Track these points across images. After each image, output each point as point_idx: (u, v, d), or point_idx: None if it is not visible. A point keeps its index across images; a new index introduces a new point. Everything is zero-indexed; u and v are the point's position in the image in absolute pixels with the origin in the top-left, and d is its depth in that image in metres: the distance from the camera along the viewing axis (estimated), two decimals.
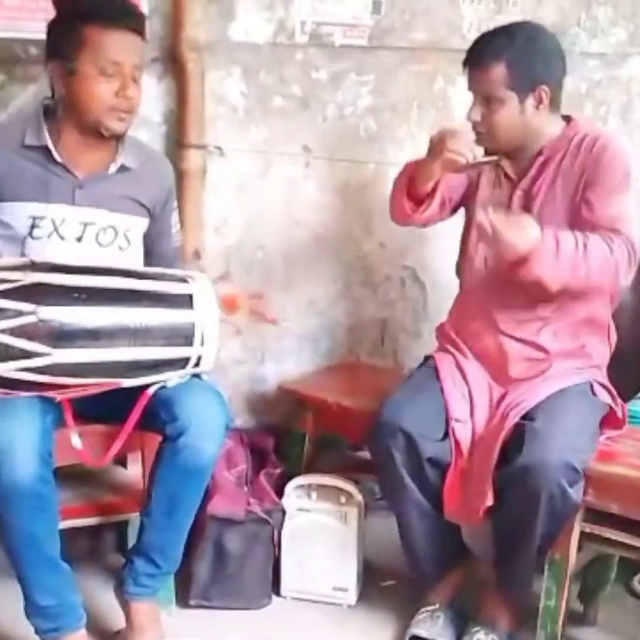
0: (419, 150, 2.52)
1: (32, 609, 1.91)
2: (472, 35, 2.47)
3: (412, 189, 2.12)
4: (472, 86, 2.06)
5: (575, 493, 1.90)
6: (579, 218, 2.02)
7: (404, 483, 2.04)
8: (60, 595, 1.91)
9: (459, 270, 2.29)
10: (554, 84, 2.03)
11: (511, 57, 1.98)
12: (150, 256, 2.16)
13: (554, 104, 2.05)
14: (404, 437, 2.00)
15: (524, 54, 1.99)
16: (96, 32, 1.88)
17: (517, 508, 1.92)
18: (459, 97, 2.54)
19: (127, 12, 1.94)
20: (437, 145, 2.01)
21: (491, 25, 2.48)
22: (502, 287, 2.09)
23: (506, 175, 2.13)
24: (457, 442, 2.04)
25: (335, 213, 2.64)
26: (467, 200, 2.22)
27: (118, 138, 2.01)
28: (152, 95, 2.39)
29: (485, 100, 2.02)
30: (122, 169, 2.04)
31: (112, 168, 2.02)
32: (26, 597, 1.91)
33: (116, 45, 1.90)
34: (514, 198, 2.11)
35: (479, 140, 2.03)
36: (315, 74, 2.53)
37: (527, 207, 2.08)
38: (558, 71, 2.05)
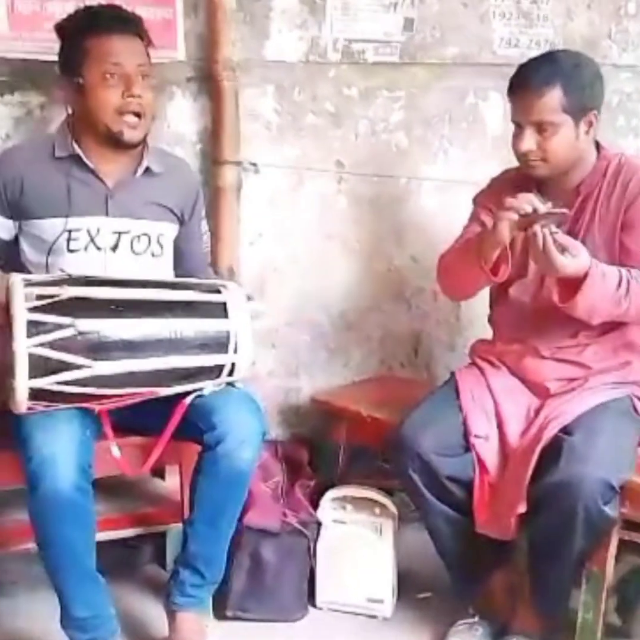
0: (450, 165, 2.57)
1: (68, 620, 1.94)
2: (503, 51, 2.51)
3: (480, 261, 2.05)
4: (520, 114, 2.01)
5: (611, 509, 1.89)
6: (618, 262, 2.02)
7: (427, 499, 2.06)
8: (96, 607, 1.94)
9: (493, 299, 2.27)
10: (600, 109, 2.03)
11: (564, 81, 1.96)
12: (180, 262, 2.19)
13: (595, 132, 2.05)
14: (420, 459, 2.02)
15: (575, 79, 1.97)
16: (95, 42, 1.95)
17: (552, 523, 1.92)
18: (490, 112, 2.58)
19: (121, 18, 2.00)
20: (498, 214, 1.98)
21: (522, 40, 2.53)
22: (540, 319, 2.10)
23: None
24: (479, 458, 2.04)
25: (367, 227, 2.66)
26: None
27: (139, 146, 2.04)
28: (187, 114, 2.44)
29: (538, 127, 1.98)
30: (148, 172, 2.08)
31: (139, 172, 2.07)
32: (63, 608, 1.93)
33: (115, 49, 1.96)
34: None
35: (530, 169, 2.03)
36: (347, 90, 2.56)
37: None
38: (602, 96, 2.05)
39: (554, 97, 1.96)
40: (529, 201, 1.93)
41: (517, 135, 2.02)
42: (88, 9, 2.08)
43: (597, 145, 2.10)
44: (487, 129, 2.57)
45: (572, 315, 1.98)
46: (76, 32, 1.97)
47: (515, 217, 1.93)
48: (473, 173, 2.47)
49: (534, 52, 2.46)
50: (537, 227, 1.90)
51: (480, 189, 2.25)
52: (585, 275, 1.91)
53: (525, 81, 1.99)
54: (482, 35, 2.55)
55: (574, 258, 1.89)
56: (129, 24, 2.00)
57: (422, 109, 2.59)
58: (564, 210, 1.97)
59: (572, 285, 1.93)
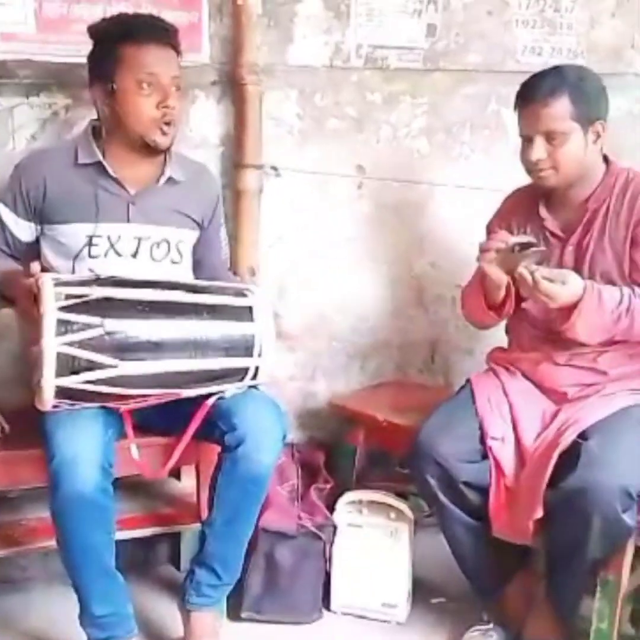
0: (472, 171, 2.58)
1: (87, 618, 1.95)
2: (527, 59, 2.52)
3: (489, 301, 2.15)
4: (529, 126, 2.03)
5: (629, 518, 1.89)
6: (630, 278, 2.05)
7: (444, 505, 2.07)
8: (115, 605, 1.95)
9: (508, 320, 2.28)
10: (606, 120, 2.04)
11: (571, 90, 1.99)
12: (200, 268, 2.21)
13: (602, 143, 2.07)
14: (437, 465, 2.03)
15: (581, 89, 2.00)
16: (131, 50, 1.97)
17: (569, 529, 1.92)
18: (512, 119, 2.55)
19: (158, 28, 2.02)
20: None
21: (545, 48, 2.53)
22: (553, 330, 2.10)
23: (553, 233, 2.13)
24: (496, 461, 2.05)
25: (388, 232, 2.67)
26: None
27: (164, 152, 2.06)
28: (210, 117, 2.45)
29: (548, 137, 2.00)
30: (171, 181, 2.10)
31: (161, 181, 2.08)
32: (82, 606, 1.95)
33: (151, 58, 1.98)
34: (565, 254, 2.11)
35: (540, 180, 2.04)
36: (370, 96, 2.57)
37: (579, 262, 2.09)
38: (607, 108, 2.06)
39: (561, 106, 1.98)
40: (501, 239, 2.02)
41: (526, 148, 2.05)
42: (126, 16, 2.09)
43: (606, 160, 2.11)
44: (509, 136, 2.56)
45: (574, 338, 2.02)
46: (112, 38, 1.98)
47: (493, 255, 2.01)
48: (494, 180, 2.48)
49: (557, 61, 2.49)
50: (521, 268, 1.96)
51: (492, 216, 2.27)
52: (580, 299, 1.94)
53: (533, 93, 2.01)
54: (506, 42, 2.57)
55: (565, 285, 1.94)
56: (166, 35, 2.01)
57: (444, 115, 2.61)
58: (542, 248, 2.04)
59: (570, 309, 1.97)
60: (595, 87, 2.04)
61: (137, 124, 1.99)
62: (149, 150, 2.03)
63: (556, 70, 2.05)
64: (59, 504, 1.83)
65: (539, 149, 2.01)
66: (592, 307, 1.95)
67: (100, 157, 2.03)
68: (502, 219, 2.23)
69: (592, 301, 1.95)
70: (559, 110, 1.98)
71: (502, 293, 2.10)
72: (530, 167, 2.05)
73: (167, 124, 2.00)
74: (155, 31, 2.00)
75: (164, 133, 2.00)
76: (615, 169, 2.09)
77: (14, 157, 2.17)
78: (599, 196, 2.07)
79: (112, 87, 1.97)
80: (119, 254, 2.05)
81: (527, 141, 2.04)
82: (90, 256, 2.03)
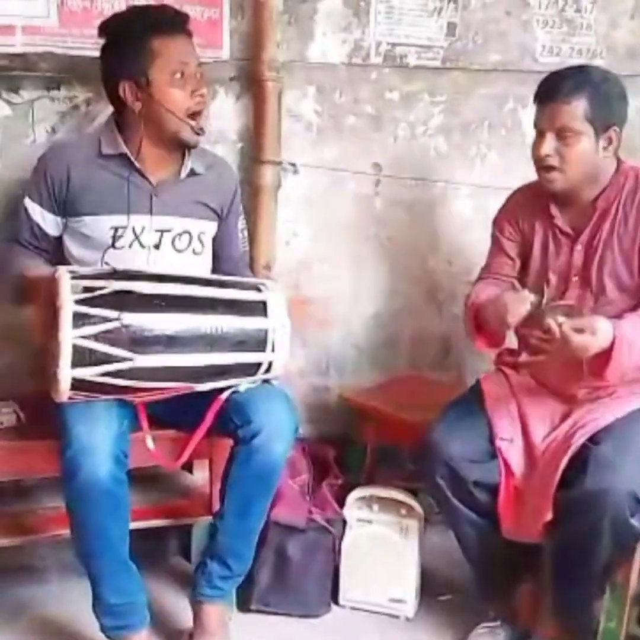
0: (488, 170, 2.59)
1: (100, 606, 1.97)
2: (545, 59, 2.51)
3: (481, 328, 2.15)
4: (545, 120, 2.03)
5: (638, 521, 1.89)
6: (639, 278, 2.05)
7: (454, 505, 2.08)
8: (129, 594, 1.97)
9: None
10: (621, 127, 2.04)
11: (591, 92, 1.98)
12: (219, 260, 2.23)
13: (616, 151, 2.06)
14: (447, 466, 2.04)
15: (602, 91, 2.00)
16: (162, 43, 1.98)
17: (578, 532, 1.92)
18: (530, 119, 2.55)
19: (179, 18, 2.04)
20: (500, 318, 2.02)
21: (564, 48, 2.53)
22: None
23: (562, 231, 2.13)
24: (505, 461, 2.06)
25: (403, 230, 2.68)
26: (523, 258, 2.23)
27: (189, 147, 2.08)
28: (229, 113, 2.46)
29: (560, 134, 2.00)
30: (192, 173, 2.11)
31: (183, 173, 2.10)
32: (95, 595, 1.97)
33: (181, 49, 2.01)
34: (574, 253, 2.10)
35: (547, 177, 2.03)
36: (388, 94, 2.57)
37: (588, 261, 2.09)
38: (625, 116, 2.06)
39: (580, 105, 1.97)
40: (523, 301, 1.96)
41: (537, 142, 2.04)
42: (142, 9, 2.11)
43: (618, 161, 2.10)
44: (525, 136, 2.56)
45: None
46: (139, 32, 1.98)
47: (518, 320, 1.97)
48: (510, 179, 2.46)
49: (576, 61, 2.49)
50: (548, 320, 1.91)
51: (498, 210, 2.26)
52: (612, 346, 1.90)
53: (555, 88, 2.01)
54: (524, 42, 2.57)
55: (594, 335, 1.89)
56: (187, 24, 2.04)
57: (462, 114, 2.61)
58: (570, 302, 2.02)
59: (601, 356, 1.92)
60: (616, 93, 2.03)
61: (174, 114, 2.00)
62: (178, 145, 2.05)
63: (581, 69, 2.05)
64: (74, 492, 1.86)
65: (549, 144, 2.01)
66: (623, 353, 1.91)
67: (125, 148, 2.04)
68: (510, 214, 2.21)
69: (623, 348, 1.90)
70: (576, 109, 1.98)
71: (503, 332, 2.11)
72: (538, 162, 2.04)
73: (199, 114, 2.03)
74: (179, 21, 2.03)
75: (195, 131, 2.03)
76: (625, 168, 2.08)
77: (34, 150, 2.20)
78: (608, 196, 2.07)
79: (146, 81, 1.98)
80: (142, 246, 2.07)
81: (539, 135, 2.04)
82: (114, 247, 2.05)
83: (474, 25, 2.55)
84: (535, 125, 2.06)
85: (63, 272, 1.79)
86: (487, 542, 2.10)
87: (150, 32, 1.98)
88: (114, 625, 1.98)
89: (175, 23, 2.02)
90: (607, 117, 2.00)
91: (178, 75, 1.99)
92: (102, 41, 2.06)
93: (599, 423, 2.01)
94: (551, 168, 2.02)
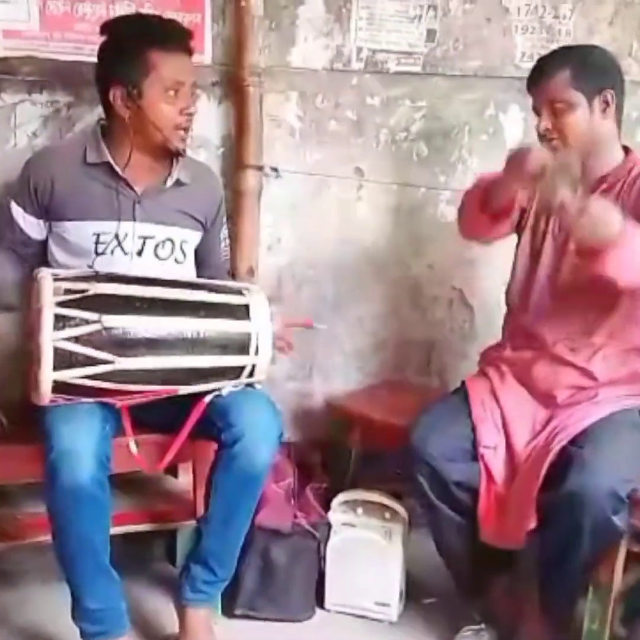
0: (469, 175, 2.59)
1: (80, 612, 1.95)
2: (525, 64, 2.53)
3: (487, 204, 2.11)
4: (537, 100, 2.08)
5: (620, 520, 1.90)
6: None
7: (434, 504, 2.09)
8: (109, 600, 1.96)
9: (509, 297, 2.29)
10: (616, 90, 2.06)
11: (574, 62, 2.03)
12: (201, 268, 2.23)
13: (618, 113, 2.08)
14: (428, 465, 2.05)
15: (585, 60, 2.05)
16: (160, 57, 1.96)
17: (561, 534, 1.93)
18: (510, 124, 2.61)
19: (183, 35, 2.02)
20: (517, 166, 1.95)
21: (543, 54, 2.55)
22: (556, 311, 2.12)
23: None
24: (487, 468, 2.06)
25: (386, 235, 2.69)
26: (518, 228, 2.23)
27: (176, 155, 2.08)
28: (211, 118, 2.47)
29: (553, 108, 2.04)
30: (178, 183, 2.11)
31: (169, 182, 2.10)
32: (75, 600, 1.95)
33: (179, 66, 1.99)
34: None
35: (552, 150, 2.04)
36: (369, 99, 2.58)
37: None
38: (617, 77, 2.08)
39: (563, 77, 2.02)
40: (546, 153, 1.94)
41: (538, 122, 2.08)
42: (149, 18, 2.10)
43: (626, 150, 2.12)
44: (506, 141, 2.59)
45: (600, 273, 1.89)
46: (139, 42, 1.96)
47: (538, 165, 1.90)
48: None
49: None
50: (565, 196, 1.85)
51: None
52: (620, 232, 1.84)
53: (539, 69, 2.09)
54: (504, 48, 2.58)
55: (608, 212, 1.84)
56: (189, 41, 2.02)
57: (443, 119, 2.62)
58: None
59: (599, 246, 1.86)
60: (600, 58, 2.08)
61: (160, 130, 1.99)
62: (165, 153, 2.06)
63: (563, 47, 2.15)
64: (55, 495, 1.85)
65: (545, 120, 2.05)
66: (633, 239, 1.85)
67: (109, 158, 2.04)
68: None
69: (632, 234, 1.85)
70: (560, 80, 2.02)
71: (506, 202, 2.07)
72: (541, 140, 2.07)
73: (186, 129, 2.03)
74: (182, 38, 2.01)
75: (182, 139, 2.03)
76: (635, 158, 2.11)
77: (15, 154, 2.20)
78: (616, 174, 2.08)
79: (137, 92, 1.97)
80: (125, 252, 2.07)
81: (537, 114, 2.08)
82: (96, 253, 2.05)
83: (454, 31, 2.57)
84: (533, 108, 2.10)
85: (45, 274, 1.78)
86: (466, 542, 2.11)
87: (150, 43, 1.96)
88: (94, 631, 1.96)
89: (177, 39, 2.00)
90: (596, 82, 2.04)
91: (171, 93, 1.98)
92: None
93: (577, 427, 2.01)
94: (552, 140, 2.05)
